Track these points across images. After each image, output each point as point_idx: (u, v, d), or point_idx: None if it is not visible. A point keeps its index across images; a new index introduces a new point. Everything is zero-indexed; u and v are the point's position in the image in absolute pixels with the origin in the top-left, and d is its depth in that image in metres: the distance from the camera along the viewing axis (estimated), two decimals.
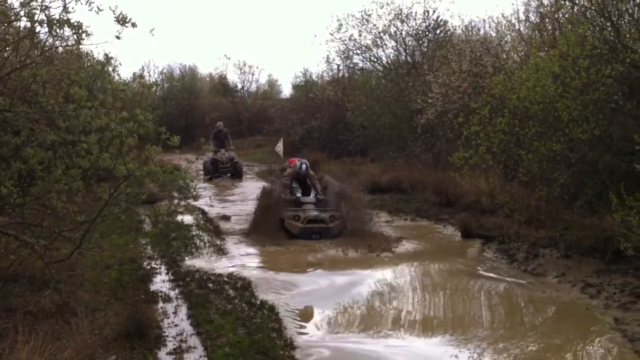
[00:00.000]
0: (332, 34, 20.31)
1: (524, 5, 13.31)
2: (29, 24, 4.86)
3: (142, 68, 26.91)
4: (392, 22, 18.79)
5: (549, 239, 8.18)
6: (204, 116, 27.65)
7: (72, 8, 4.81)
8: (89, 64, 8.48)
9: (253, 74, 29.69)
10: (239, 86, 29.63)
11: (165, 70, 28.99)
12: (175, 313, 5.93)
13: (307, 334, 5.59)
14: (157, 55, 55.68)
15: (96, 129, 5.12)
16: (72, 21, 4.78)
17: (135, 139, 4.93)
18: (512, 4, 22.08)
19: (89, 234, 5.12)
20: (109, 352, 4.77)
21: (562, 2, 9.45)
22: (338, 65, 22.74)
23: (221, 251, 8.63)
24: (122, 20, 4.80)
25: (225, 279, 7.13)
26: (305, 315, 6.10)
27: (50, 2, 4.78)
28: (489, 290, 6.97)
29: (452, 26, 18.40)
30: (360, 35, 19.87)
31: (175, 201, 9.70)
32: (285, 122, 23.03)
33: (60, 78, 5.27)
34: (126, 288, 6.56)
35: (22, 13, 4.88)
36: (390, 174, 14.77)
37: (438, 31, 18.71)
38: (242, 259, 8.28)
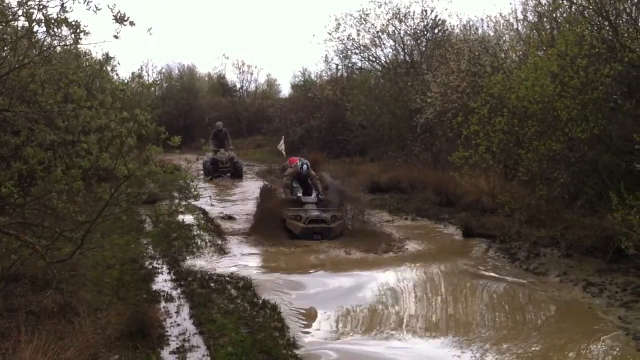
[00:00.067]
0: (330, 34, 20.34)
1: (522, 5, 13.37)
2: (26, 24, 4.85)
3: (141, 68, 26.89)
4: (390, 21, 18.84)
5: (549, 238, 8.20)
6: (203, 116, 27.62)
7: (70, 7, 4.80)
8: (87, 64, 8.48)
9: (252, 74, 29.72)
10: (238, 86, 29.64)
11: (164, 70, 28.94)
12: (177, 312, 5.93)
13: (310, 334, 5.58)
14: (156, 55, 55.50)
15: (96, 129, 5.12)
16: (70, 20, 4.78)
17: (135, 139, 4.93)
18: (510, 3, 22.25)
19: (90, 234, 5.11)
20: (111, 352, 4.77)
21: (560, 2, 9.46)
22: (337, 65, 22.77)
23: (222, 251, 8.63)
24: (120, 19, 4.79)
25: (227, 278, 7.13)
26: (308, 316, 6.07)
27: (47, 2, 4.77)
28: (491, 290, 6.98)
29: (450, 25, 18.46)
30: (358, 35, 19.92)
31: (176, 201, 9.74)
32: (284, 121, 23.03)
33: (59, 78, 5.26)
34: (128, 288, 6.55)
35: (20, 12, 4.87)
36: (389, 173, 14.77)
37: (436, 30, 18.73)
38: (244, 259, 8.26)
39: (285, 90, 30.62)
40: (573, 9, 9.27)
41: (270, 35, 50.78)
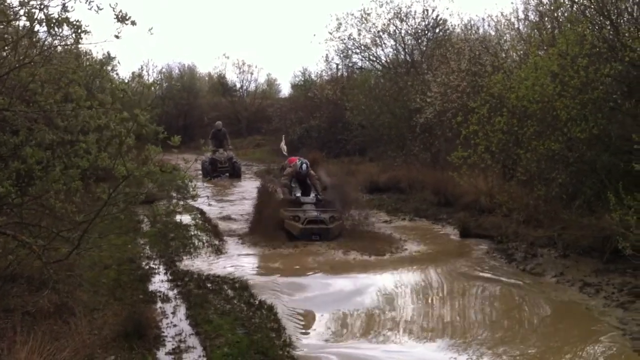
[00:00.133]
0: (331, 33, 20.32)
1: (523, 4, 13.34)
2: (27, 23, 4.85)
3: (141, 67, 26.84)
4: (392, 21, 18.81)
5: (547, 239, 8.19)
6: (202, 116, 27.61)
7: (71, 7, 4.81)
8: (87, 63, 8.48)
9: (252, 74, 29.73)
10: (238, 85, 29.65)
11: (164, 70, 28.98)
12: (174, 313, 5.93)
13: (307, 336, 5.56)
14: (156, 55, 55.59)
15: (95, 129, 5.12)
16: (71, 20, 4.78)
17: (133, 139, 4.92)
18: (512, 3, 22.20)
19: (87, 234, 5.12)
20: (107, 352, 4.76)
21: (562, 1, 9.44)
22: (337, 65, 22.77)
23: (220, 251, 8.62)
24: (122, 19, 4.79)
25: (224, 279, 7.12)
26: (305, 319, 6.04)
27: (49, 1, 4.78)
28: (488, 292, 6.96)
29: (452, 25, 18.42)
30: (359, 34, 19.91)
31: (174, 201, 9.74)
32: (284, 121, 23.02)
33: (58, 77, 5.25)
34: (125, 288, 6.55)
35: (21, 12, 4.88)
36: (388, 173, 14.76)
37: (437, 30, 18.70)
38: (241, 260, 8.26)
39: (285, 90, 30.67)
40: (574, 8, 9.26)
41: (270, 35, 50.82)
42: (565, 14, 9.80)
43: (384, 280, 7.33)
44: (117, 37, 4.84)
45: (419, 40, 18.80)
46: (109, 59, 6.25)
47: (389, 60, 19.78)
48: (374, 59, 20.32)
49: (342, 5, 52.16)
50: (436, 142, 14.34)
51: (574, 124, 7.67)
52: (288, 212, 9.51)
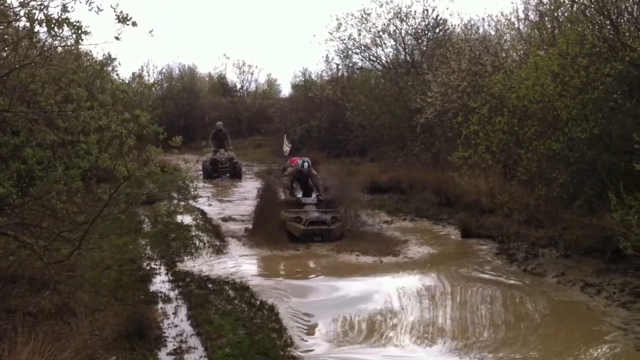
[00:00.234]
0: (331, 33, 20.31)
1: (524, 4, 13.34)
2: (28, 24, 4.85)
3: (142, 68, 26.80)
4: (392, 21, 18.80)
5: (548, 239, 8.18)
6: (203, 116, 27.64)
7: (71, 7, 4.81)
8: (88, 64, 8.48)
9: (252, 74, 29.77)
10: (238, 86, 29.68)
11: (164, 70, 29.02)
12: (175, 314, 5.93)
13: (308, 339, 5.54)
14: (157, 55, 55.68)
15: (96, 129, 5.12)
16: (71, 21, 4.78)
17: (134, 140, 4.92)
18: (512, 3, 22.09)
19: (88, 235, 5.12)
20: (109, 353, 4.77)
21: (562, 1, 9.44)
22: (337, 65, 22.78)
23: (221, 252, 8.61)
24: (123, 19, 4.79)
25: (225, 279, 7.12)
26: (306, 321, 6.01)
27: (49, 2, 4.78)
28: (489, 293, 6.94)
29: (452, 25, 18.40)
30: (359, 35, 19.89)
31: (175, 201, 9.74)
32: (284, 121, 23.03)
33: (59, 78, 5.26)
34: (126, 289, 6.55)
35: (21, 13, 4.88)
36: (389, 173, 14.76)
37: (437, 30, 18.70)
38: (242, 261, 8.24)
39: (286, 90, 30.69)
40: (575, 8, 9.26)
41: (270, 35, 50.83)
42: (566, 14, 9.80)
43: (386, 283, 7.29)
44: (117, 38, 4.84)
45: (419, 40, 18.79)
46: (109, 59, 6.26)
47: (389, 61, 19.79)
48: (374, 59, 20.34)
49: (342, 6, 52.21)
50: (437, 142, 14.34)
51: (574, 124, 7.67)
52: (289, 214, 9.48)
